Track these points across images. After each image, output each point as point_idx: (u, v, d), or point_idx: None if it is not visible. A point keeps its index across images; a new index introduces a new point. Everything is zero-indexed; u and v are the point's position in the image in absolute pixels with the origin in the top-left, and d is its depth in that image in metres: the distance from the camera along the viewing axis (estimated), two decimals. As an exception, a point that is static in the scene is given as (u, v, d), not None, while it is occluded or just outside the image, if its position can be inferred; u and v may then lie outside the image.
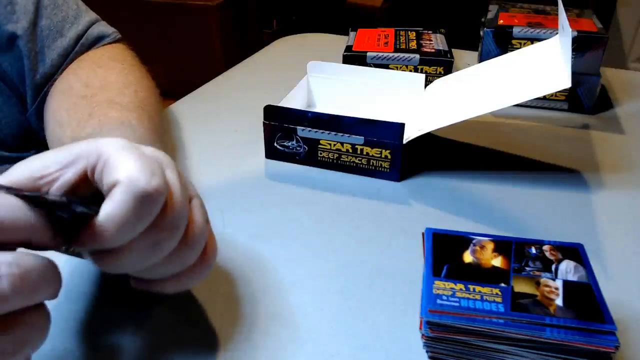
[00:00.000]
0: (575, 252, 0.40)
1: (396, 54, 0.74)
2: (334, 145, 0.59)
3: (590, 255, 0.40)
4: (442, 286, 0.38)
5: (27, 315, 0.27)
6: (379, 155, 0.58)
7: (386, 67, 0.75)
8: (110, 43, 0.65)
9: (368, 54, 0.75)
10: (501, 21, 0.76)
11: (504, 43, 0.75)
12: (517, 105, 0.56)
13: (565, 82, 0.49)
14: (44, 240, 0.28)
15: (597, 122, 0.72)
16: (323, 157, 0.60)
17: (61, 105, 0.55)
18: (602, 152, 0.65)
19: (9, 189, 0.28)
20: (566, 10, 0.56)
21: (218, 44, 1.87)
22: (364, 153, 0.58)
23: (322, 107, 0.72)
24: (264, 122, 0.61)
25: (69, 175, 0.31)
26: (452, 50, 0.76)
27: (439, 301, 0.36)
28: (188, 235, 0.34)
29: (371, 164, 0.59)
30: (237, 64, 0.92)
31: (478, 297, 0.37)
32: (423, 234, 0.43)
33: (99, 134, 0.47)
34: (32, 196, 0.28)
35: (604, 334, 0.34)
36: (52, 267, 0.28)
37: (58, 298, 0.28)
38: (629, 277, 0.46)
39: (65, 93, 0.56)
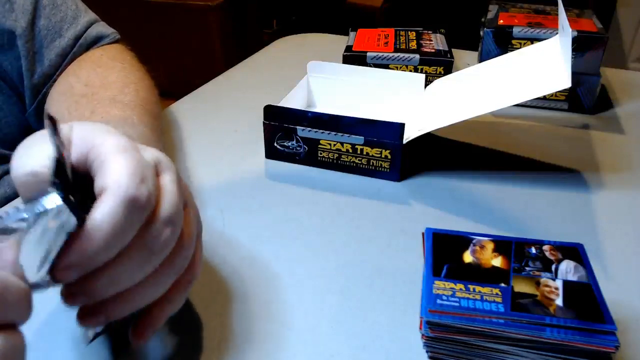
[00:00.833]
0: (575, 252, 0.40)
1: (396, 54, 0.74)
2: (334, 145, 0.59)
3: (590, 255, 0.40)
4: (442, 286, 0.38)
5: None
6: (379, 155, 0.58)
7: (386, 67, 0.75)
8: (109, 44, 0.65)
9: (368, 54, 0.75)
10: (501, 21, 0.76)
11: (504, 43, 0.75)
12: (517, 105, 0.56)
13: (565, 82, 0.49)
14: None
15: (597, 122, 0.72)
16: (323, 157, 0.60)
17: (62, 105, 0.55)
18: (602, 152, 0.65)
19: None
20: (566, 10, 0.56)
21: (218, 44, 1.87)
22: (364, 153, 0.58)
23: (322, 107, 0.72)
24: (264, 122, 0.61)
25: (72, 157, 0.31)
26: (452, 50, 0.76)
27: (439, 301, 0.36)
28: (177, 245, 0.33)
29: (371, 164, 0.59)
30: (237, 64, 0.92)
31: (478, 297, 0.37)
32: (423, 234, 0.43)
33: None
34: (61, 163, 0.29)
35: (604, 334, 0.34)
36: (27, 291, 0.27)
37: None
38: (629, 277, 0.46)
39: (65, 93, 0.56)
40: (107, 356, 0.38)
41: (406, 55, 0.74)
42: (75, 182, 0.30)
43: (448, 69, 0.74)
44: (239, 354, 0.39)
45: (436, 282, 0.38)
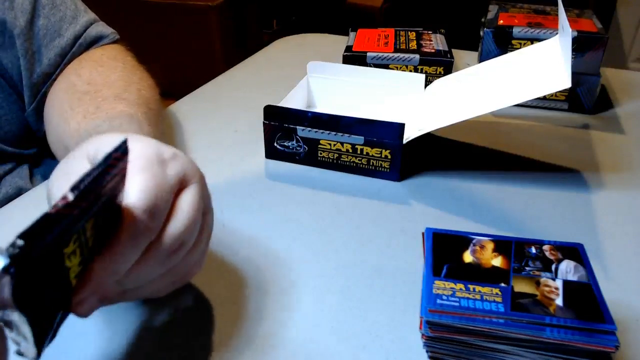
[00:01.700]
0: (575, 252, 0.40)
1: (396, 54, 0.74)
2: (334, 145, 0.59)
3: (590, 255, 0.40)
4: (442, 286, 0.38)
5: None
6: (379, 155, 0.58)
7: (386, 67, 0.75)
8: (108, 44, 0.65)
9: (368, 54, 0.75)
10: (501, 21, 0.76)
11: (504, 43, 0.75)
12: (517, 105, 0.56)
13: (565, 82, 0.49)
14: None
15: (597, 122, 0.72)
16: (323, 157, 0.60)
17: (64, 102, 0.55)
18: (602, 152, 0.65)
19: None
20: (566, 10, 0.56)
21: (218, 44, 1.87)
22: (364, 153, 0.58)
23: (322, 107, 0.72)
24: (264, 122, 0.61)
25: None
26: (452, 50, 0.76)
27: (439, 301, 0.36)
28: (188, 252, 0.35)
29: (371, 164, 0.59)
30: (237, 64, 0.92)
31: (478, 297, 0.37)
32: (423, 234, 0.43)
33: (108, 126, 0.47)
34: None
35: (604, 334, 0.34)
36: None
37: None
38: (629, 277, 0.46)
39: (67, 91, 0.56)
40: (114, 345, 0.38)
41: (406, 55, 0.74)
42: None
43: (448, 69, 0.74)
44: (238, 354, 0.39)
45: (436, 282, 0.38)
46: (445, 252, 0.41)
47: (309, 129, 0.59)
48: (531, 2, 0.84)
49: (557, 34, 0.62)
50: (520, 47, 0.74)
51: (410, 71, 0.74)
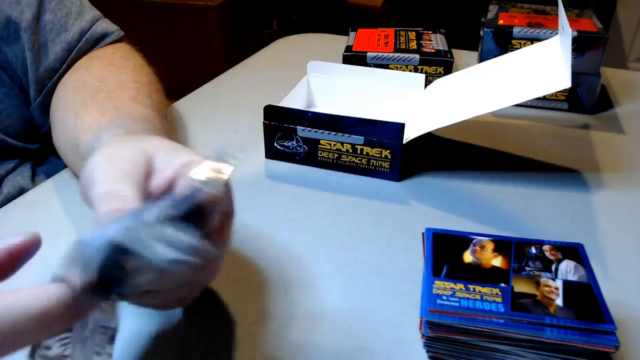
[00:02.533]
0: (575, 252, 0.40)
1: (396, 54, 0.74)
2: (334, 145, 0.59)
3: (590, 255, 0.40)
4: (442, 286, 0.38)
5: None
6: (379, 155, 0.58)
7: (386, 67, 0.75)
8: (114, 40, 0.65)
9: (368, 54, 0.75)
10: (501, 21, 0.76)
11: (504, 43, 0.75)
12: (517, 105, 0.56)
13: (565, 82, 0.49)
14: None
15: (597, 122, 0.72)
16: (323, 157, 0.60)
17: (75, 98, 0.55)
18: (602, 152, 0.65)
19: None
20: (566, 10, 0.56)
21: (218, 44, 1.87)
22: (364, 153, 0.58)
23: (322, 107, 0.72)
24: (264, 122, 0.61)
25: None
26: (452, 50, 0.76)
27: (439, 301, 0.36)
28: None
29: (371, 164, 0.59)
30: (237, 64, 0.92)
31: (478, 297, 0.37)
32: (423, 234, 0.43)
33: (130, 126, 0.47)
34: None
35: (604, 334, 0.34)
36: None
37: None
38: (629, 277, 0.46)
39: (79, 88, 0.56)
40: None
41: (406, 55, 0.74)
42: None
43: (448, 69, 0.74)
44: (238, 354, 0.39)
45: (436, 282, 0.38)
46: (445, 252, 0.41)
47: (309, 129, 0.59)
48: (531, 2, 0.84)
49: (557, 34, 0.62)
50: (520, 47, 0.74)
51: (410, 71, 0.74)
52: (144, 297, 0.34)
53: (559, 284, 0.37)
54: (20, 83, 0.61)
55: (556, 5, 0.63)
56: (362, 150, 0.58)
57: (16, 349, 0.25)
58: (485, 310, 0.36)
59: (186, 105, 0.77)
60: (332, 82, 0.71)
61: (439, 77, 0.72)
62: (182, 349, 0.39)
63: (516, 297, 0.36)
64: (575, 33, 0.70)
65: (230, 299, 0.43)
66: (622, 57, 2.35)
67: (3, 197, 0.59)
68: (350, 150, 0.59)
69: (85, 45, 0.62)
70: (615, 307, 0.36)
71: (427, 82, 0.68)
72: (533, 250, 0.41)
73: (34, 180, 0.63)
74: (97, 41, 0.63)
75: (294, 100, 0.66)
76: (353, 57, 0.75)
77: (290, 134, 0.60)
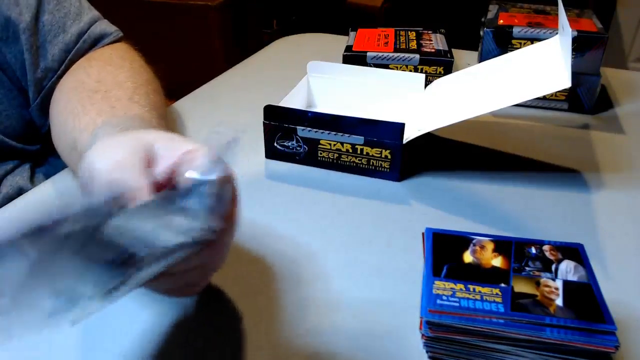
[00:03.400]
0: (575, 252, 0.40)
1: (396, 54, 0.74)
2: (334, 145, 0.59)
3: (590, 255, 0.40)
4: (442, 286, 0.38)
5: None
6: (379, 155, 0.58)
7: (386, 67, 0.75)
8: (113, 41, 0.65)
9: (368, 54, 0.75)
10: (501, 21, 0.76)
11: (504, 43, 0.75)
12: (517, 105, 0.56)
13: (565, 82, 0.49)
14: None
15: (597, 122, 0.72)
16: (323, 157, 0.60)
17: (73, 99, 0.55)
18: (602, 152, 0.65)
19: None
20: (566, 10, 0.56)
21: (218, 44, 1.87)
22: (364, 153, 0.58)
23: (322, 107, 0.72)
24: (264, 122, 0.61)
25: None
26: (452, 50, 0.76)
27: (439, 301, 0.36)
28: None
29: (371, 164, 0.59)
30: (237, 64, 0.92)
31: (478, 297, 0.37)
32: (423, 234, 0.43)
33: (128, 125, 0.47)
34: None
35: (604, 334, 0.34)
36: None
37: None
38: (629, 277, 0.46)
39: (77, 88, 0.56)
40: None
41: (406, 55, 0.74)
42: None
43: (448, 69, 0.74)
44: (238, 354, 0.39)
45: (436, 282, 0.38)
46: (445, 252, 0.41)
47: (309, 129, 0.59)
48: (531, 2, 0.84)
49: (557, 33, 0.62)
50: (520, 47, 0.74)
51: (410, 71, 0.74)
52: (158, 280, 0.34)
53: (559, 284, 0.37)
54: (20, 84, 0.61)
55: (556, 5, 0.63)
56: (362, 150, 0.58)
57: None
58: (485, 311, 0.36)
59: (186, 105, 0.77)
60: (332, 82, 0.71)
61: (439, 77, 0.72)
62: (189, 342, 0.39)
63: (516, 297, 0.36)
64: (575, 33, 0.70)
65: (229, 299, 0.43)
66: (622, 57, 2.35)
67: (2, 197, 0.59)
68: (350, 150, 0.59)
69: (83, 47, 0.62)
70: (615, 307, 0.36)
71: (427, 82, 0.68)
72: (533, 250, 0.41)
73: (32, 181, 0.63)
74: (96, 42, 0.63)
75: (294, 100, 0.66)
76: (353, 57, 0.75)
77: (290, 134, 0.60)
